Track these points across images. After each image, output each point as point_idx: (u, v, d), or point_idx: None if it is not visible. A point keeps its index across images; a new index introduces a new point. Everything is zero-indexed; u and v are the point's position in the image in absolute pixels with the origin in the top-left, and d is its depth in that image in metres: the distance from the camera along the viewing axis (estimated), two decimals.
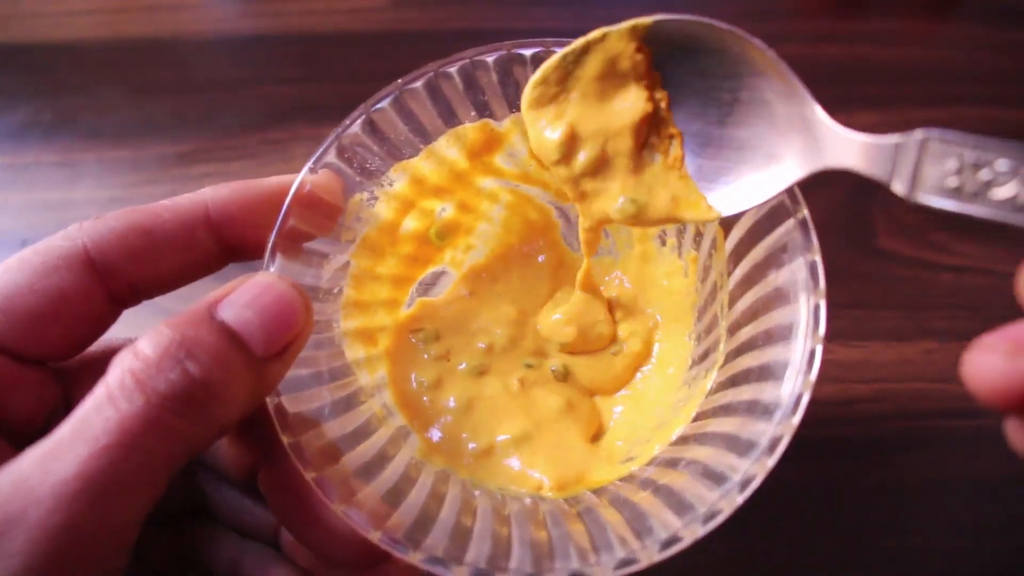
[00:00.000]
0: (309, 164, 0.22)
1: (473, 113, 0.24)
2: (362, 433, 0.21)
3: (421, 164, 0.24)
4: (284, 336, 0.17)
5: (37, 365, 0.19)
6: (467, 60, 0.23)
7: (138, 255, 0.20)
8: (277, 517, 0.20)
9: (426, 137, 0.24)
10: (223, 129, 0.42)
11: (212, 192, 0.20)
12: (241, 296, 0.17)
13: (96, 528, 0.15)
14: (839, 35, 0.49)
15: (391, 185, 0.24)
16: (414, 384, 0.24)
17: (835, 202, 0.37)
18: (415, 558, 0.17)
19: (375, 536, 0.17)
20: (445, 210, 0.25)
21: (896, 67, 0.46)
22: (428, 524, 0.18)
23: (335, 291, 0.23)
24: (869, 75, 0.45)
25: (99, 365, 0.18)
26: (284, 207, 0.21)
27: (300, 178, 0.21)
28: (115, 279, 0.19)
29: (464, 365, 0.25)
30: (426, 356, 0.25)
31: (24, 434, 0.18)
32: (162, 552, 0.21)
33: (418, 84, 0.23)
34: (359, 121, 0.23)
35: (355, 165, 0.23)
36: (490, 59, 0.23)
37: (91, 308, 0.19)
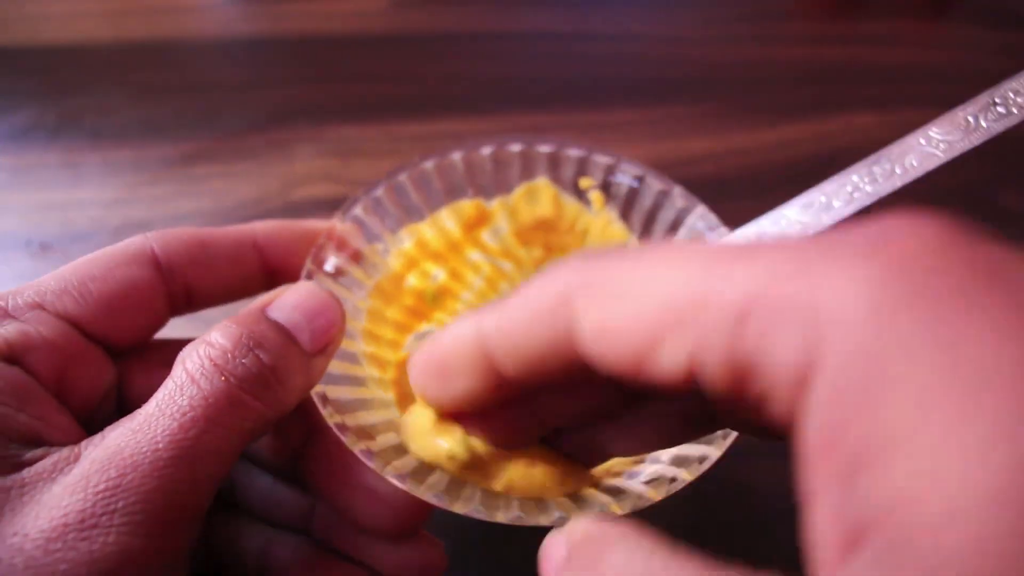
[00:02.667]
0: (339, 214, 0.26)
1: (471, 192, 0.29)
2: (387, 424, 0.23)
3: (425, 229, 0.28)
4: (326, 335, 0.20)
5: (101, 347, 0.21)
6: (468, 150, 0.29)
7: (197, 262, 0.22)
8: (321, 493, 0.22)
9: (433, 206, 0.28)
10: (225, 130, 0.42)
11: (260, 223, 0.24)
12: (288, 300, 0.20)
13: (187, 494, 0.17)
14: (838, 36, 0.49)
15: (401, 243, 0.28)
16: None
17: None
18: (457, 508, 0.19)
19: (421, 491, 0.19)
20: (439, 275, 0.29)
21: (895, 68, 0.46)
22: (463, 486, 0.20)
23: (355, 319, 0.26)
24: (868, 76, 0.46)
25: (149, 358, 0.21)
26: (320, 241, 0.25)
27: (333, 222, 0.26)
28: (175, 281, 0.22)
29: None
30: None
31: (80, 411, 0.19)
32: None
33: (430, 163, 0.28)
34: (382, 186, 0.28)
35: (376, 219, 0.27)
36: (486, 152, 0.29)
37: (154, 303, 0.21)
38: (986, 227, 0.11)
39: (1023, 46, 0.48)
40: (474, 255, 0.29)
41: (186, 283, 0.22)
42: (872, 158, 0.20)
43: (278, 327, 0.19)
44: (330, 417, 0.21)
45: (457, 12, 0.50)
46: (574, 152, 0.28)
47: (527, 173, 0.29)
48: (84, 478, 0.16)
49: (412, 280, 0.28)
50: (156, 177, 0.39)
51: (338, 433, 0.20)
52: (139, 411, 0.17)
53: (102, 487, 0.16)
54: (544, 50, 0.48)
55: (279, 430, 0.23)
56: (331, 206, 0.38)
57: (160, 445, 0.17)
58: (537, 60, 0.47)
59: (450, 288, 0.29)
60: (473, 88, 0.45)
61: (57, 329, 0.19)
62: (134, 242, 0.21)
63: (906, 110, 0.43)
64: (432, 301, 0.29)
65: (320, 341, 0.20)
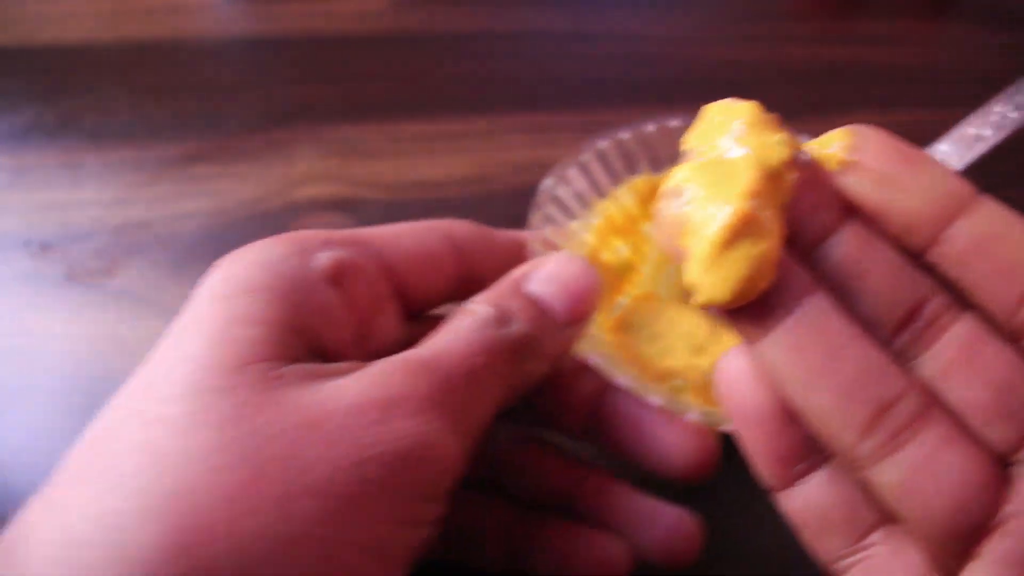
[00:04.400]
0: (549, 176, 0.29)
1: (645, 167, 0.31)
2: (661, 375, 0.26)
3: (611, 205, 0.30)
4: (581, 305, 0.20)
5: (399, 301, 0.22)
6: (635, 128, 0.31)
7: (482, 250, 0.23)
8: (618, 446, 0.23)
9: (615, 183, 0.31)
10: (225, 131, 0.42)
11: (456, 226, 0.24)
12: (545, 271, 0.21)
13: (456, 435, 0.17)
14: (839, 37, 0.49)
15: (592, 220, 0.30)
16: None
17: None
18: None
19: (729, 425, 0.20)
20: (623, 250, 0.31)
21: (895, 68, 0.46)
22: None
23: None
24: (869, 77, 0.46)
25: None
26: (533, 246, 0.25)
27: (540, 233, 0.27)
28: (464, 263, 0.23)
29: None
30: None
31: (371, 355, 0.20)
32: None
33: (605, 143, 0.30)
34: (573, 167, 0.30)
35: (572, 197, 0.30)
36: (651, 129, 0.31)
37: (449, 275, 0.22)
38: None
39: (1023, 46, 0.48)
40: (649, 228, 0.31)
41: (471, 267, 0.23)
42: (1011, 88, 0.21)
43: (530, 299, 0.20)
44: (616, 372, 0.22)
45: (457, 12, 0.50)
46: None
47: None
48: (399, 368, 0.17)
49: (605, 255, 0.30)
50: (156, 177, 0.39)
51: (627, 386, 0.22)
52: (410, 356, 0.18)
53: (417, 379, 0.17)
54: (544, 50, 0.48)
55: (571, 390, 0.23)
56: (331, 206, 0.38)
57: (476, 350, 0.18)
58: (537, 60, 0.47)
59: (633, 262, 0.31)
60: (473, 88, 0.45)
61: (375, 269, 0.20)
62: (433, 221, 0.23)
63: (906, 110, 0.43)
64: (621, 274, 0.30)
65: (575, 311, 0.20)
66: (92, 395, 0.30)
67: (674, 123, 0.30)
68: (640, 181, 0.31)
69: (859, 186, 0.16)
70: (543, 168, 0.40)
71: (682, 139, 0.17)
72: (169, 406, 0.16)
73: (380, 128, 0.42)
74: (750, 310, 0.15)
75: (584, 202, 0.30)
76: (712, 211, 0.15)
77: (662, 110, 0.44)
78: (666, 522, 0.22)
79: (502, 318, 0.19)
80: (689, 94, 0.45)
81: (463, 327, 0.19)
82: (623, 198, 0.31)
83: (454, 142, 0.41)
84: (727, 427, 0.22)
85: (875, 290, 0.15)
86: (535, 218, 0.27)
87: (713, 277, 0.15)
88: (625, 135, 0.30)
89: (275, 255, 0.19)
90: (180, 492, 0.15)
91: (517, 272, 0.21)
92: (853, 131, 0.16)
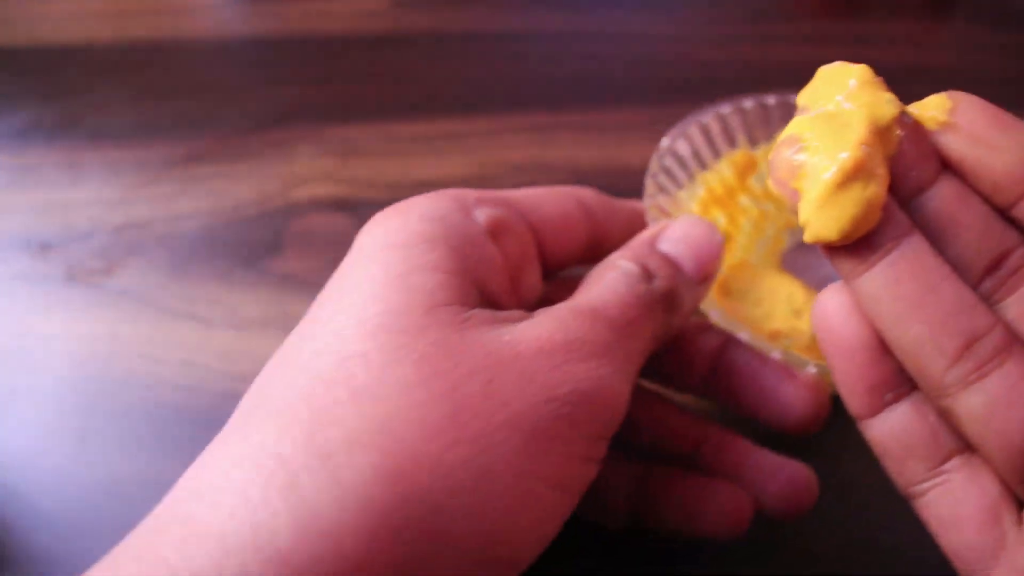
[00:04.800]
0: (667, 138, 0.30)
1: (742, 141, 0.33)
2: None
3: (711, 177, 0.32)
4: (709, 264, 0.22)
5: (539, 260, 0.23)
6: (735, 104, 0.32)
7: (608, 217, 0.24)
8: (736, 401, 0.24)
9: (716, 155, 0.32)
10: (226, 130, 0.42)
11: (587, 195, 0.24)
12: (675, 232, 0.22)
13: (624, 378, 0.18)
14: (838, 37, 0.49)
15: (698, 190, 0.32)
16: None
17: None
18: None
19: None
20: (721, 220, 0.32)
21: (895, 68, 0.46)
22: None
23: None
24: None
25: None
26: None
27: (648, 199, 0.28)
28: (592, 228, 0.23)
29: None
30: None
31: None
32: None
33: (708, 117, 0.32)
34: (679, 138, 0.31)
35: (680, 169, 0.31)
36: (749, 105, 0.32)
37: (583, 237, 0.23)
38: None
39: (1023, 46, 0.48)
40: (743, 200, 0.33)
41: (599, 231, 0.23)
42: None
43: (667, 258, 0.21)
44: (736, 329, 0.24)
45: (457, 12, 0.50)
46: None
47: (784, 121, 0.33)
48: (575, 315, 0.18)
49: None
50: (156, 177, 0.39)
51: (748, 340, 0.24)
52: (580, 298, 0.19)
53: (593, 324, 0.18)
54: (544, 50, 0.48)
55: (693, 347, 0.24)
56: (331, 206, 0.38)
57: (631, 302, 0.19)
58: (537, 60, 0.47)
59: (730, 232, 0.33)
60: (473, 88, 0.45)
61: (524, 228, 0.21)
62: (566, 187, 0.23)
63: None
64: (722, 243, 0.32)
65: (703, 270, 0.21)
66: (92, 395, 0.31)
67: (770, 100, 0.32)
68: (738, 154, 0.33)
69: (955, 145, 0.17)
70: (543, 168, 0.40)
71: (798, 96, 0.19)
72: (364, 343, 0.17)
73: (380, 128, 0.42)
74: (854, 247, 0.16)
75: (689, 173, 0.31)
76: (826, 157, 0.16)
77: (662, 110, 0.44)
78: (786, 474, 0.23)
79: (646, 274, 0.20)
80: (690, 94, 0.45)
81: (616, 280, 0.20)
82: (723, 170, 0.32)
83: (454, 142, 0.41)
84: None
85: (965, 238, 0.17)
86: (649, 186, 0.28)
87: (825, 216, 0.16)
88: (726, 110, 0.32)
89: (440, 209, 0.20)
90: (385, 424, 0.16)
91: (646, 234, 0.22)
92: (951, 96, 0.18)
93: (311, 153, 0.41)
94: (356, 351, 0.17)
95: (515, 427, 0.16)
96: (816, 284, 0.32)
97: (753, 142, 0.33)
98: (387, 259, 0.18)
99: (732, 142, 0.33)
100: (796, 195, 0.17)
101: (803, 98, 0.18)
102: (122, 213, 0.38)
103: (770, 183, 0.17)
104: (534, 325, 0.18)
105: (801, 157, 0.17)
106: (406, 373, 0.16)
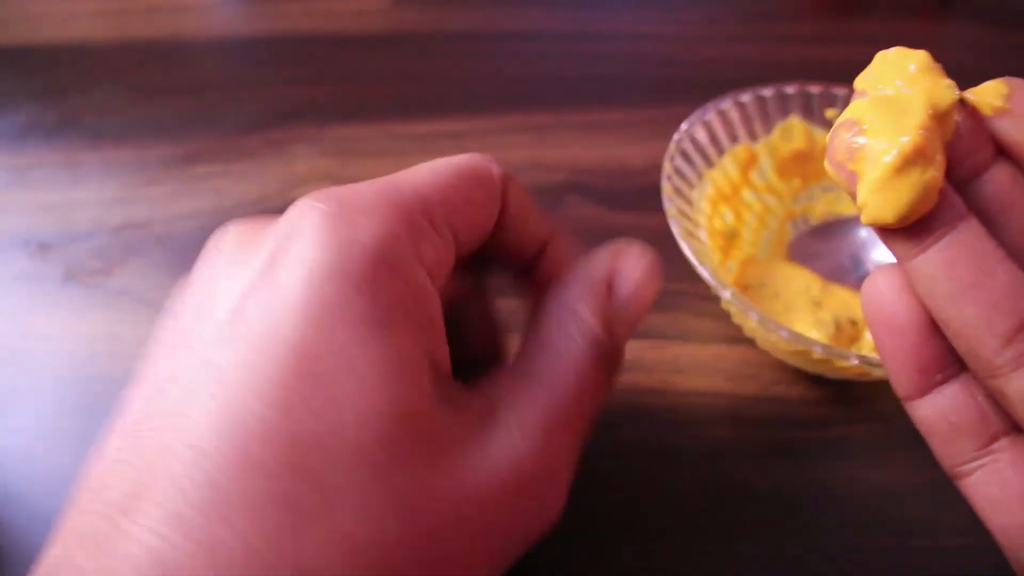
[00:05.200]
0: (680, 130, 0.31)
1: (743, 136, 0.33)
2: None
3: (716, 174, 0.33)
4: (646, 307, 0.21)
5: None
6: (735, 98, 0.33)
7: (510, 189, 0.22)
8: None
9: (720, 151, 0.33)
10: (225, 130, 0.42)
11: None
12: (634, 277, 0.21)
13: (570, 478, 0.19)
14: (840, 36, 0.49)
15: (705, 188, 0.32)
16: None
17: None
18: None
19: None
20: (728, 216, 0.33)
21: None
22: None
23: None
24: None
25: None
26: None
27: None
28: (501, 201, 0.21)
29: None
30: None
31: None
32: None
33: (711, 114, 0.32)
34: (685, 139, 0.31)
35: (689, 168, 0.32)
36: (746, 99, 0.33)
37: (491, 221, 0.21)
38: None
39: (1023, 46, 0.48)
40: (747, 195, 0.34)
41: (504, 206, 0.21)
42: None
43: (623, 307, 0.21)
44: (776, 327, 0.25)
45: (457, 12, 0.50)
46: (814, 89, 0.33)
47: (781, 114, 0.33)
48: (539, 429, 0.18)
49: (716, 222, 0.33)
50: (156, 177, 0.39)
51: (790, 336, 0.25)
52: (533, 368, 0.19)
53: (556, 442, 0.18)
54: (544, 50, 0.48)
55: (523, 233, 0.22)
56: None
57: (599, 391, 0.19)
58: (537, 60, 0.47)
59: (736, 228, 0.33)
60: (473, 88, 0.45)
61: (451, 249, 0.19)
62: (467, 162, 0.21)
63: None
64: (730, 239, 0.33)
65: (640, 312, 0.21)
66: (92, 395, 0.31)
67: (767, 92, 0.33)
68: (740, 149, 0.33)
69: (1010, 130, 0.17)
70: (543, 168, 0.40)
71: (856, 80, 0.19)
72: (340, 477, 0.15)
73: (380, 128, 0.42)
74: (910, 230, 0.17)
75: (698, 172, 0.32)
76: (886, 140, 0.16)
77: (663, 110, 0.44)
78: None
79: (609, 339, 0.20)
80: (690, 93, 0.45)
81: (584, 359, 0.19)
82: (726, 166, 0.33)
83: (454, 142, 0.41)
84: (881, 373, 0.25)
85: (1020, 223, 0.17)
86: (665, 188, 0.29)
87: (882, 199, 0.16)
88: (726, 105, 0.32)
89: (395, 249, 0.17)
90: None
91: (601, 271, 0.21)
92: (1008, 82, 0.18)
93: (311, 153, 0.41)
94: (338, 487, 0.16)
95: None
96: (824, 273, 0.33)
97: (752, 136, 0.33)
98: (364, 351, 0.16)
99: (733, 137, 0.33)
100: (854, 177, 0.17)
101: (861, 82, 0.18)
102: (121, 213, 0.38)
103: (826, 165, 0.17)
104: (495, 453, 0.17)
105: (861, 140, 0.17)
106: (390, 527, 0.16)
